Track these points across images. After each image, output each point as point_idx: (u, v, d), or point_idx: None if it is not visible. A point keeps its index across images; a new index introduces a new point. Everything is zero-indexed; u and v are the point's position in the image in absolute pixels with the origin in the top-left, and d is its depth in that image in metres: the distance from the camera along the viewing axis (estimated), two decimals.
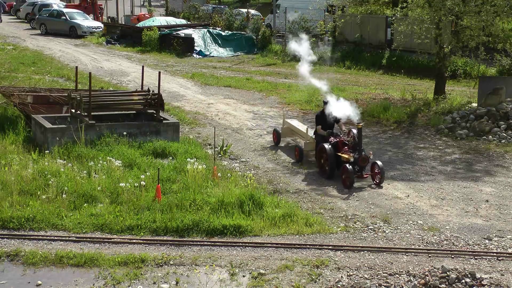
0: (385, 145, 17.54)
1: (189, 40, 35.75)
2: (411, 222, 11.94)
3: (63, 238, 10.80)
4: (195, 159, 13.84)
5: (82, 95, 15.71)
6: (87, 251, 10.30)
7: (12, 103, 17.15)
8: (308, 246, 10.74)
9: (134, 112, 16.74)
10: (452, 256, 10.51)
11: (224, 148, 16.12)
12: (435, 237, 11.25)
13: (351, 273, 9.80)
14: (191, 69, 29.99)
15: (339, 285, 9.45)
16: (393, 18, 27.47)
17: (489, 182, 14.48)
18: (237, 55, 35.94)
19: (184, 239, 10.90)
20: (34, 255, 10.08)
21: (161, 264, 9.97)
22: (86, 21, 43.66)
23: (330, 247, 10.71)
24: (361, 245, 10.86)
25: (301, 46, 16.97)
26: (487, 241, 11.13)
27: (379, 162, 14.06)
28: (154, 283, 9.41)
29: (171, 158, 14.91)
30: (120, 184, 12.30)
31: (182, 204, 11.86)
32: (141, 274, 9.64)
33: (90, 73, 17.24)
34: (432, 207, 12.80)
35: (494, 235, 11.39)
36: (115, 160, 13.68)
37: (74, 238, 10.82)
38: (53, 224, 11.20)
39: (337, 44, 35.76)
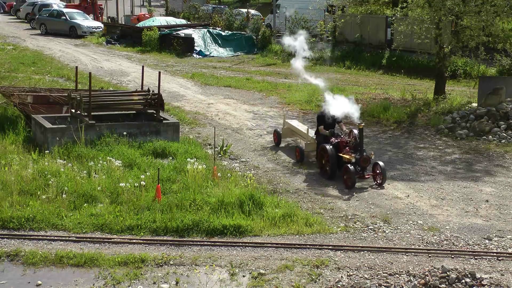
0: (385, 145, 17.54)
1: (189, 40, 35.75)
2: (411, 222, 11.94)
3: (63, 238, 10.80)
4: (195, 159, 13.83)
5: (82, 95, 15.71)
6: (87, 251, 10.30)
7: (12, 103, 17.15)
8: (308, 246, 10.74)
9: (134, 112, 16.74)
10: (452, 256, 10.51)
11: (224, 148, 16.12)
12: (435, 237, 11.25)
13: (351, 273, 9.80)
14: (191, 69, 29.99)
15: (339, 285, 9.45)
16: (393, 18, 27.48)
17: (489, 182, 14.48)
18: (237, 55, 35.95)
19: (184, 239, 10.90)
20: (34, 255, 10.08)
21: (161, 264, 9.97)
22: (86, 21, 43.67)
23: (330, 247, 10.70)
24: (361, 245, 10.86)
25: (296, 41, 16.88)
26: (487, 241, 11.13)
27: (380, 163, 14.05)
28: (154, 283, 9.41)
29: (171, 158, 14.91)
30: (120, 184, 12.30)
31: (182, 204, 11.86)
32: (141, 274, 9.64)
33: (90, 73, 17.23)
34: (432, 207, 12.80)
35: (494, 235, 11.39)
36: (115, 160, 13.68)
37: (74, 238, 10.82)
38: (53, 224, 11.20)
39: (337, 44, 35.77)
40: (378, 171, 14.01)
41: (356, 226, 11.70)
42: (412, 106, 21.02)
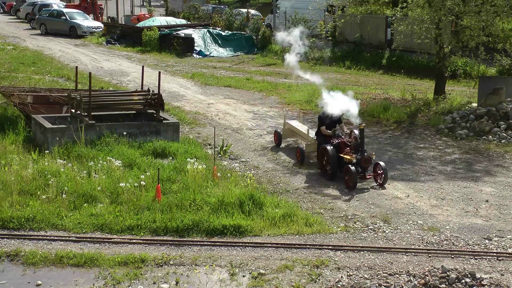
0: (385, 145, 17.54)
1: (189, 40, 35.76)
2: (411, 222, 11.94)
3: (63, 238, 10.80)
4: (195, 159, 13.83)
5: (82, 95, 15.71)
6: (87, 251, 10.30)
7: (12, 103, 17.15)
8: (308, 246, 10.74)
9: (134, 112, 16.74)
10: (452, 256, 10.50)
11: (224, 148, 16.11)
12: (435, 237, 11.25)
13: (351, 273, 9.79)
14: (191, 69, 29.99)
15: (339, 285, 9.45)
16: (393, 18, 27.50)
17: (489, 182, 14.48)
18: (237, 55, 35.96)
19: (184, 239, 10.90)
20: (34, 255, 10.07)
21: (161, 264, 9.97)
22: (86, 21, 43.69)
23: (330, 247, 10.70)
24: (361, 245, 10.86)
25: (290, 35, 16.79)
26: (487, 241, 11.13)
27: (381, 163, 14.02)
28: (154, 283, 9.41)
29: (171, 158, 14.91)
30: (120, 184, 12.29)
31: (182, 204, 11.85)
32: (141, 274, 9.64)
33: (90, 73, 17.23)
34: (432, 207, 12.80)
35: (494, 235, 11.39)
36: (115, 160, 13.68)
37: (74, 238, 10.82)
38: (53, 224, 11.19)
39: (337, 44, 35.78)
40: (379, 172, 13.99)
41: (356, 226, 11.70)
42: (412, 106, 21.02)
